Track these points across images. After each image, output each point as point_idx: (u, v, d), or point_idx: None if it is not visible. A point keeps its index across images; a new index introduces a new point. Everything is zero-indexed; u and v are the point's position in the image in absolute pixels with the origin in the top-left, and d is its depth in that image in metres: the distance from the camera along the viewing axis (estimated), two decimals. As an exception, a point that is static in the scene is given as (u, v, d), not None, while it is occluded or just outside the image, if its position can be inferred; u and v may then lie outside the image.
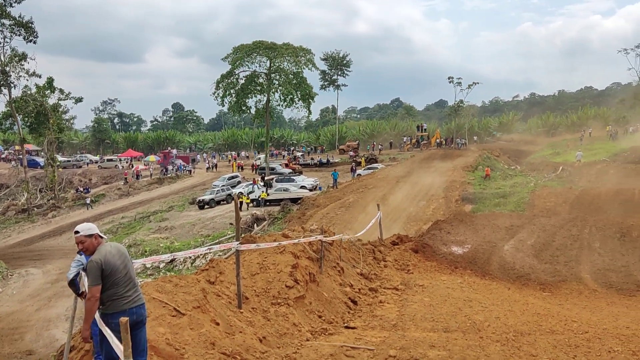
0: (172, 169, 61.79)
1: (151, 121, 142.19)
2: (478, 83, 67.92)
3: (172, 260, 25.38)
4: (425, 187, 34.58)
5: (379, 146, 70.89)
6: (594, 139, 58.69)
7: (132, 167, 66.05)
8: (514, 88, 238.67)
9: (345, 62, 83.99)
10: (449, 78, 67.95)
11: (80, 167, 68.01)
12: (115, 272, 4.53)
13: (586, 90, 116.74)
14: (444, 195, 31.82)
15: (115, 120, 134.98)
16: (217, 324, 6.45)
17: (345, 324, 9.07)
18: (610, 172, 36.05)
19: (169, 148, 79.77)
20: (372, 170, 46.02)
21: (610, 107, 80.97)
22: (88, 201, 48.10)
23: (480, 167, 41.42)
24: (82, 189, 53.24)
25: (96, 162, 70.99)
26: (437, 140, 63.28)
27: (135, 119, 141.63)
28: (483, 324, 9.32)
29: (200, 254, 23.44)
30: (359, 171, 47.28)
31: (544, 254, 18.03)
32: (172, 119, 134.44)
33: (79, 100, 52.53)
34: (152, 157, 73.67)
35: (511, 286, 13.87)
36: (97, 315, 4.58)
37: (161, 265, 25.19)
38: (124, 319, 3.76)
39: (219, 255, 16.84)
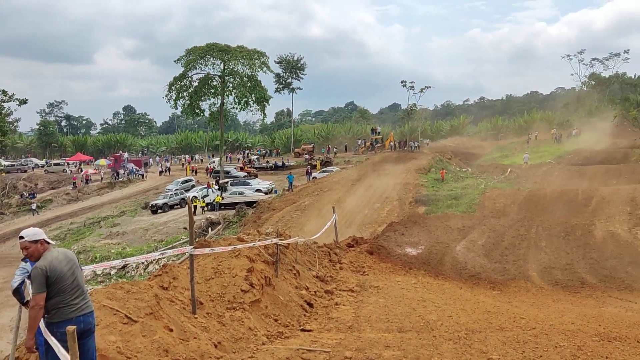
0: (124, 173, 60.17)
1: (101, 124, 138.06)
2: (430, 87, 69.70)
3: (124, 267, 24.72)
4: (379, 190, 35.03)
5: (334, 149, 71.34)
6: (540, 141, 61.04)
7: (81, 171, 63.86)
8: (464, 92, 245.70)
9: (299, 65, 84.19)
10: (402, 82, 69.35)
11: (25, 171, 65.13)
12: (62, 279, 4.36)
13: (532, 94, 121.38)
14: (398, 198, 32.35)
15: (63, 123, 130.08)
16: (171, 330, 6.31)
17: (302, 327, 9.06)
18: (555, 173, 37.59)
19: (120, 152, 77.52)
20: (327, 173, 46.25)
21: (555, 111, 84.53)
22: (34, 207, 46.16)
23: (433, 170, 42.33)
24: (27, 194, 51.06)
25: (42, 167, 68.14)
26: (391, 143, 64.22)
27: (84, 122, 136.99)
28: (436, 323, 9.52)
29: (154, 260, 22.90)
30: (314, 174, 47.40)
31: (494, 254, 18.63)
32: (123, 121, 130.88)
33: (23, 102, 50.43)
34: (102, 161, 71.48)
35: (463, 285, 14.23)
36: (42, 324, 4.40)
37: (112, 272, 24.45)
38: (70, 328, 3.63)
39: (172, 260, 16.52)
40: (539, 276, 16.15)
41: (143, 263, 24.21)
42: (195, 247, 7.99)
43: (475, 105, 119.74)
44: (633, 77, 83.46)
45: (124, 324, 5.85)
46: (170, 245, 28.50)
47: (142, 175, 61.08)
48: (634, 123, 39.68)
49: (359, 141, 72.72)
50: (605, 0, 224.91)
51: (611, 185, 29.74)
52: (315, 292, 11.42)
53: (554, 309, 11.35)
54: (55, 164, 68.97)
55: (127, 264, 24.25)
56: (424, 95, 72.10)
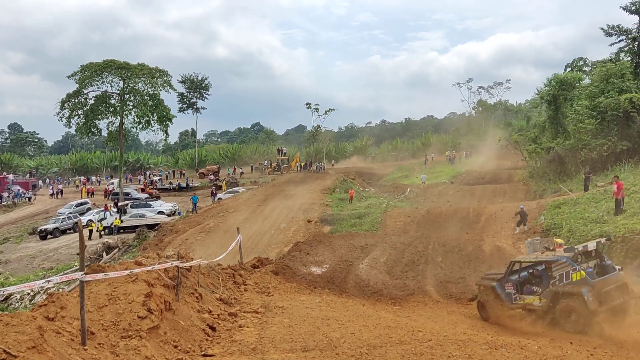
0: (8, 196, 55.27)
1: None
2: (334, 109, 71.95)
3: (6, 299, 22.53)
4: (285, 210, 35.16)
5: (240, 170, 70.75)
6: (435, 163, 64.82)
7: (-43, 194, 57.74)
8: (366, 115, 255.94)
9: (204, 85, 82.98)
10: (307, 104, 70.81)
11: None
12: None
13: (428, 118, 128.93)
14: (304, 217, 32.64)
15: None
16: (57, 364, 5.85)
17: (203, 352, 8.79)
18: (449, 192, 40.01)
19: (4, 173, 71.12)
20: (233, 194, 45.66)
21: (448, 134, 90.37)
22: None
23: (337, 190, 43.29)
24: None
25: None
26: (297, 164, 64.94)
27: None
28: (339, 341, 9.67)
29: (40, 289, 21.14)
30: (219, 195, 46.58)
31: (395, 270, 19.36)
32: (8, 141, 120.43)
33: None
34: (-18, 183, 65.05)
35: (366, 302, 14.61)
36: None
37: (-8, 305, 22.19)
38: None
39: (62, 288, 15.36)
40: (436, 290, 17.01)
41: (28, 294, 22.25)
42: (86, 273, 7.51)
43: (377, 128, 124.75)
44: (514, 104, 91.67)
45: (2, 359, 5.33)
46: (61, 273, 26.47)
47: (30, 198, 56.51)
48: (515, 146, 43.44)
49: (265, 162, 72.76)
50: (488, 34, 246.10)
51: (497, 203, 32.20)
52: (218, 315, 11.16)
53: (448, 321, 11.98)
54: None
55: (10, 296, 22.16)
56: (328, 117, 74.21)
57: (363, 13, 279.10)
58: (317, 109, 70.68)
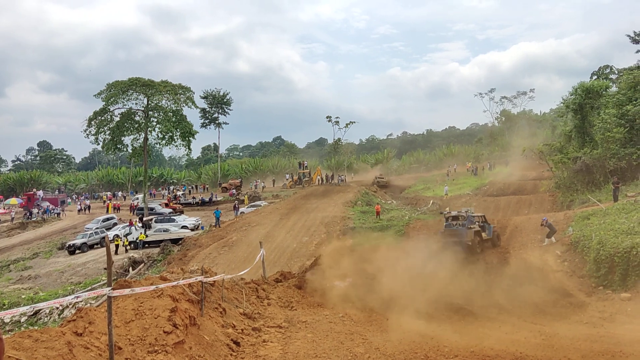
0: (38, 212, 56.56)
1: (13, 161, 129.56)
2: (354, 122, 71.90)
3: (35, 313, 22.93)
4: (307, 223, 35.18)
5: (262, 184, 71.15)
6: (458, 174, 64.21)
7: (-11, 211, 59.36)
8: (387, 127, 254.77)
9: (225, 100, 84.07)
10: (327, 117, 71.11)
11: None
12: None
13: (450, 129, 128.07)
14: (326, 231, 32.60)
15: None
16: (85, 379, 5.93)
17: (228, 367, 8.81)
18: (473, 204, 39.51)
19: (34, 190, 72.88)
20: (255, 208, 45.91)
21: (471, 145, 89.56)
22: None
23: (359, 202, 43.18)
24: None
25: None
26: (319, 177, 65.04)
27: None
28: (364, 356, 9.59)
29: (69, 304, 21.48)
30: (242, 209, 46.89)
31: (419, 283, 19.11)
32: (38, 158, 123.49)
33: None
34: (13, 200, 66.71)
35: (389, 316, 14.43)
36: None
37: (22, 320, 22.59)
38: None
39: (90, 303, 15.58)
40: (462, 304, 16.72)
41: (57, 308, 22.61)
42: (114, 288, 7.63)
43: (398, 140, 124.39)
44: (539, 113, 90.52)
45: (32, 375, 5.44)
46: (89, 288, 26.89)
47: (59, 214, 57.72)
48: (540, 156, 42.80)
49: (287, 175, 73.05)
50: (510, 43, 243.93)
51: (523, 215, 31.67)
52: (242, 329, 11.17)
53: (474, 335, 11.75)
54: (-41, 204, 63.82)
55: (40, 310, 22.55)
56: (348, 130, 74.17)
57: (383, 25, 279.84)
58: (337, 122, 70.96)
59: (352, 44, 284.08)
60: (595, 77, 43.23)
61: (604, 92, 37.62)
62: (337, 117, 71.37)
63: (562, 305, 15.99)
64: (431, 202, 43.07)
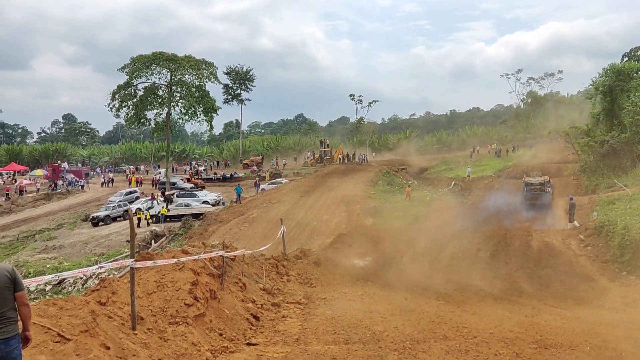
0: (63, 184, 57.62)
1: (38, 133, 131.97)
2: (377, 101, 71.18)
3: (60, 282, 23.53)
4: (328, 202, 35.19)
5: (283, 161, 71.23)
6: (481, 156, 63.33)
7: (15, 181, 60.62)
8: (410, 106, 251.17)
9: (248, 76, 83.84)
10: (350, 95, 70.59)
11: (-47, 182, 61.26)
12: None
13: (474, 110, 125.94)
14: (346, 209, 32.57)
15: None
16: (108, 348, 6.03)
17: (247, 341, 8.91)
18: (495, 186, 39.04)
19: (59, 162, 74.19)
20: (275, 185, 46.06)
21: (495, 126, 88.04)
22: (-39, 219, 43.33)
23: (380, 182, 42.98)
24: (-47, 206, 47.85)
25: (-29, 177, 64.31)
26: (340, 156, 64.82)
27: (19, 130, 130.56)
28: (382, 334, 9.60)
29: (92, 274, 21.96)
30: (262, 186, 47.10)
31: (438, 264, 19.07)
32: (62, 130, 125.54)
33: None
34: (39, 172, 67.99)
35: (409, 296, 14.43)
36: None
37: (47, 288, 23.21)
38: None
39: (112, 274, 15.88)
40: (481, 286, 16.63)
41: (81, 278, 23.16)
42: (136, 260, 7.72)
43: (421, 120, 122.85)
44: (566, 95, 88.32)
45: (56, 342, 5.54)
46: (112, 259, 27.44)
47: (83, 186, 58.73)
48: (566, 139, 41.90)
49: (308, 153, 72.98)
50: (539, 23, 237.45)
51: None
52: (261, 304, 11.28)
53: (494, 318, 11.68)
54: (-14, 174, 65.40)
55: (64, 280, 23.12)
56: (371, 109, 73.50)
57: (408, 4, 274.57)
58: (360, 100, 70.30)
59: (376, 22, 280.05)
60: (626, 58, 41.84)
61: (634, 75, 36.46)
62: (360, 96, 70.73)
63: (584, 289, 15.77)
64: (453, 183, 42.64)
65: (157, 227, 34.95)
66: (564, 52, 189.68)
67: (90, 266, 24.93)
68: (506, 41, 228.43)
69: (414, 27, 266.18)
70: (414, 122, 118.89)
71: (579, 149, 38.24)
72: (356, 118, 73.41)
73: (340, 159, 63.72)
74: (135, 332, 7.05)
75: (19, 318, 4.42)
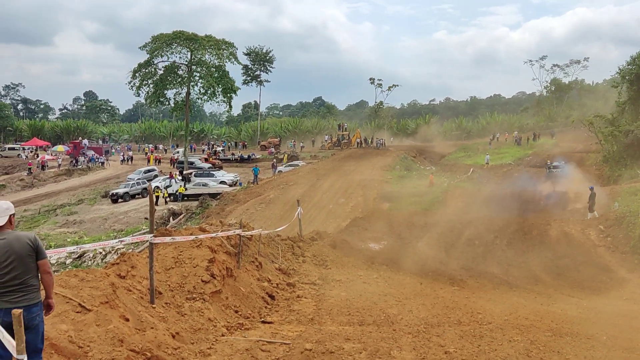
0: (83, 161, 58.52)
1: (60, 109, 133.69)
2: (397, 85, 70.48)
3: (80, 256, 24.01)
4: (344, 185, 35.18)
5: (301, 144, 71.23)
6: (501, 143, 62.56)
7: (37, 157, 61.68)
8: (430, 92, 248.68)
9: (268, 57, 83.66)
10: (370, 79, 70.14)
11: (-24, 155, 62.55)
12: None
13: (495, 97, 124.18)
14: (363, 193, 32.55)
15: (19, 107, 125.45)
16: (127, 320, 6.15)
17: (262, 319, 9.01)
18: (514, 174, 38.58)
19: (80, 138, 75.22)
20: (293, 167, 46.15)
21: (516, 114, 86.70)
22: (-15, 192, 44.37)
23: (397, 167, 42.78)
24: (-23, 179, 48.96)
25: (-5, 151, 65.57)
26: (357, 140, 64.57)
27: (42, 106, 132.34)
28: (396, 317, 9.62)
29: (112, 249, 22.37)
30: (280, 168, 47.23)
31: (454, 251, 19.00)
32: (84, 107, 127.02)
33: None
34: (60, 147, 69.10)
35: (423, 281, 14.41)
36: None
37: (68, 262, 23.72)
38: (16, 312, 3.51)
39: (132, 249, 16.15)
40: (496, 273, 16.55)
41: (100, 252, 23.60)
42: (155, 236, 7.82)
43: (441, 105, 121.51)
44: (591, 84, 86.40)
45: (77, 312, 5.66)
46: (132, 235, 27.88)
47: (103, 163, 59.58)
48: (590, 128, 41.09)
49: (326, 137, 72.84)
50: (566, 8, 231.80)
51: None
52: (277, 284, 11.38)
53: (509, 305, 11.63)
54: (10, 149, 66.60)
55: (84, 253, 23.59)
56: (391, 93, 72.84)
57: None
58: (380, 84, 69.73)
59: (399, 4, 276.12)
60: (656, 46, 40.73)
61: (664, 63, 35.49)
62: (380, 80, 70.13)
63: (602, 280, 15.59)
64: (471, 170, 42.24)
65: (175, 206, 35.37)
66: (590, 38, 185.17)
67: (111, 240, 25.38)
68: (531, 27, 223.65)
69: (437, 11, 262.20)
70: (434, 107, 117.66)
71: (603, 138, 37.50)
72: (375, 102, 72.94)
73: (357, 143, 63.50)
74: (154, 305, 7.17)
75: (42, 286, 4.51)
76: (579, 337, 8.82)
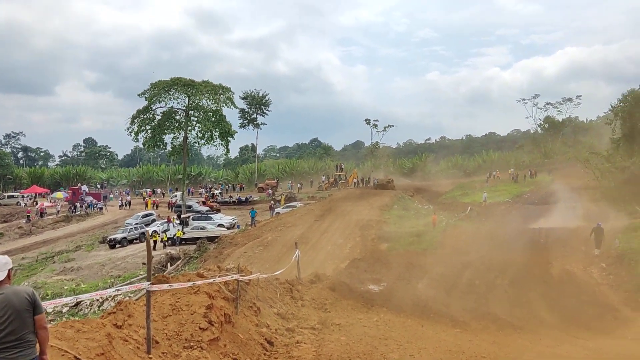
0: (82, 207, 58.38)
1: (60, 156, 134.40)
2: (393, 126, 71.39)
3: (77, 304, 23.63)
4: (342, 226, 35.05)
5: (298, 185, 71.38)
6: (498, 181, 62.75)
7: (36, 204, 61.56)
8: (425, 131, 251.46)
9: (264, 101, 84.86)
10: (365, 120, 71.09)
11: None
12: None
13: (490, 135, 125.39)
14: (361, 234, 32.38)
15: (20, 155, 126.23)
16: (123, 371, 6.01)
17: (261, 367, 8.80)
18: (513, 212, 38.56)
19: (79, 184, 75.29)
20: (291, 209, 46.08)
21: (511, 151, 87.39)
22: (-18, 240, 44.02)
23: (395, 207, 42.73)
24: (-25, 228, 48.69)
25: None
26: (355, 180, 64.79)
27: (42, 154, 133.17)
28: (398, 362, 9.43)
29: (109, 296, 22.03)
30: (277, 209, 47.14)
31: (455, 291, 18.77)
32: (83, 154, 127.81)
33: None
34: (59, 194, 69.06)
35: (425, 323, 14.19)
36: None
37: (64, 310, 23.32)
38: None
39: (129, 296, 15.91)
40: (499, 314, 16.30)
41: (97, 300, 23.24)
42: (152, 283, 7.73)
43: (437, 144, 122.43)
44: (585, 121, 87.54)
45: (73, 365, 5.53)
46: (128, 282, 27.54)
47: (101, 208, 59.44)
48: (586, 165, 41.37)
49: (323, 177, 73.08)
50: (556, 48, 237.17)
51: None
52: (276, 329, 11.18)
53: (513, 348, 11.42)
54: (9, 197, 66.66)
55: (81, 302, 23.21)
56: (386, 133, 73.63)
57: (423, 29, 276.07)
58: (375, 125, 70.56)
59: (391, 47, 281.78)
60: (646, 84, 41.61)
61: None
62: (375, 120, 71.06)
63: (607, 319, 15.38)
64: (469, 208, 42.23)
65: (173, 250, 35.10)
66: (582, 76, 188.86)
67: (107, 288, 25.04)
68: (522, 66, 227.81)
69: (429, 53, 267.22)
70: (430, 146, 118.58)
71: (599, 175, 37.72)
72: (371, 142, 73.62)
73: (355, 183, 63.68)
74: (150, 356, 7.01)
75: (37, 341, 4.44)
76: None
